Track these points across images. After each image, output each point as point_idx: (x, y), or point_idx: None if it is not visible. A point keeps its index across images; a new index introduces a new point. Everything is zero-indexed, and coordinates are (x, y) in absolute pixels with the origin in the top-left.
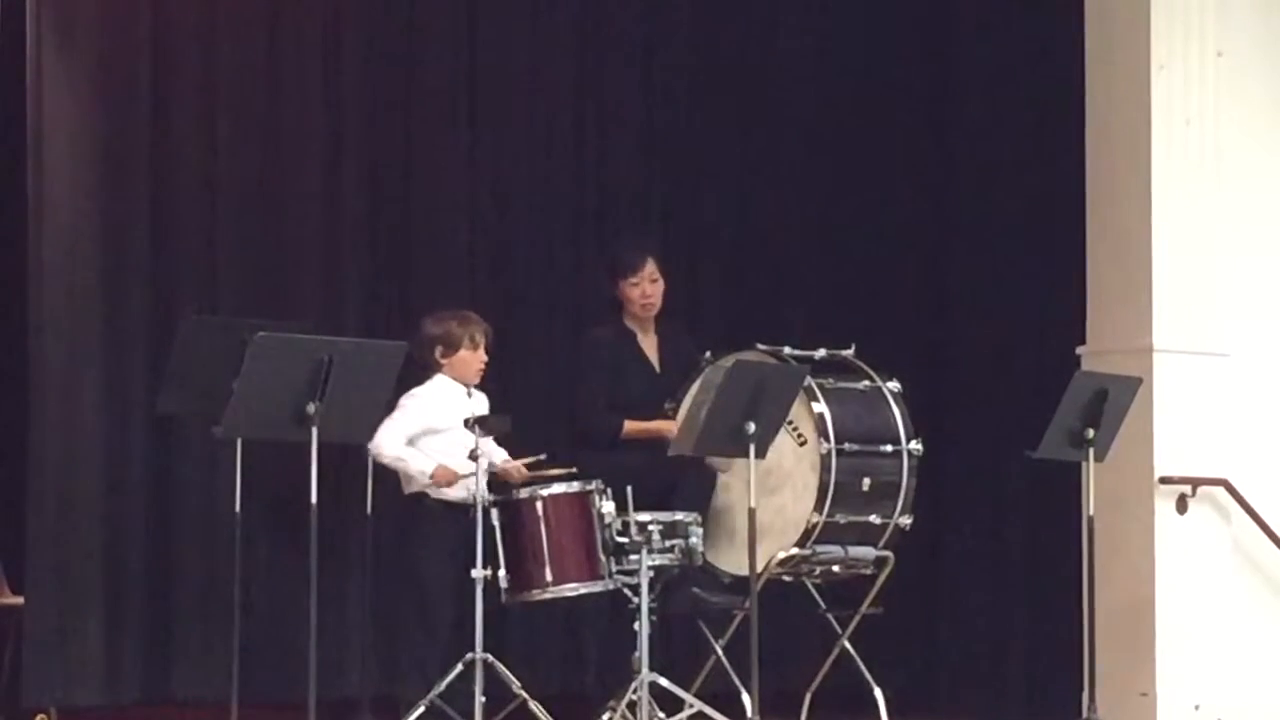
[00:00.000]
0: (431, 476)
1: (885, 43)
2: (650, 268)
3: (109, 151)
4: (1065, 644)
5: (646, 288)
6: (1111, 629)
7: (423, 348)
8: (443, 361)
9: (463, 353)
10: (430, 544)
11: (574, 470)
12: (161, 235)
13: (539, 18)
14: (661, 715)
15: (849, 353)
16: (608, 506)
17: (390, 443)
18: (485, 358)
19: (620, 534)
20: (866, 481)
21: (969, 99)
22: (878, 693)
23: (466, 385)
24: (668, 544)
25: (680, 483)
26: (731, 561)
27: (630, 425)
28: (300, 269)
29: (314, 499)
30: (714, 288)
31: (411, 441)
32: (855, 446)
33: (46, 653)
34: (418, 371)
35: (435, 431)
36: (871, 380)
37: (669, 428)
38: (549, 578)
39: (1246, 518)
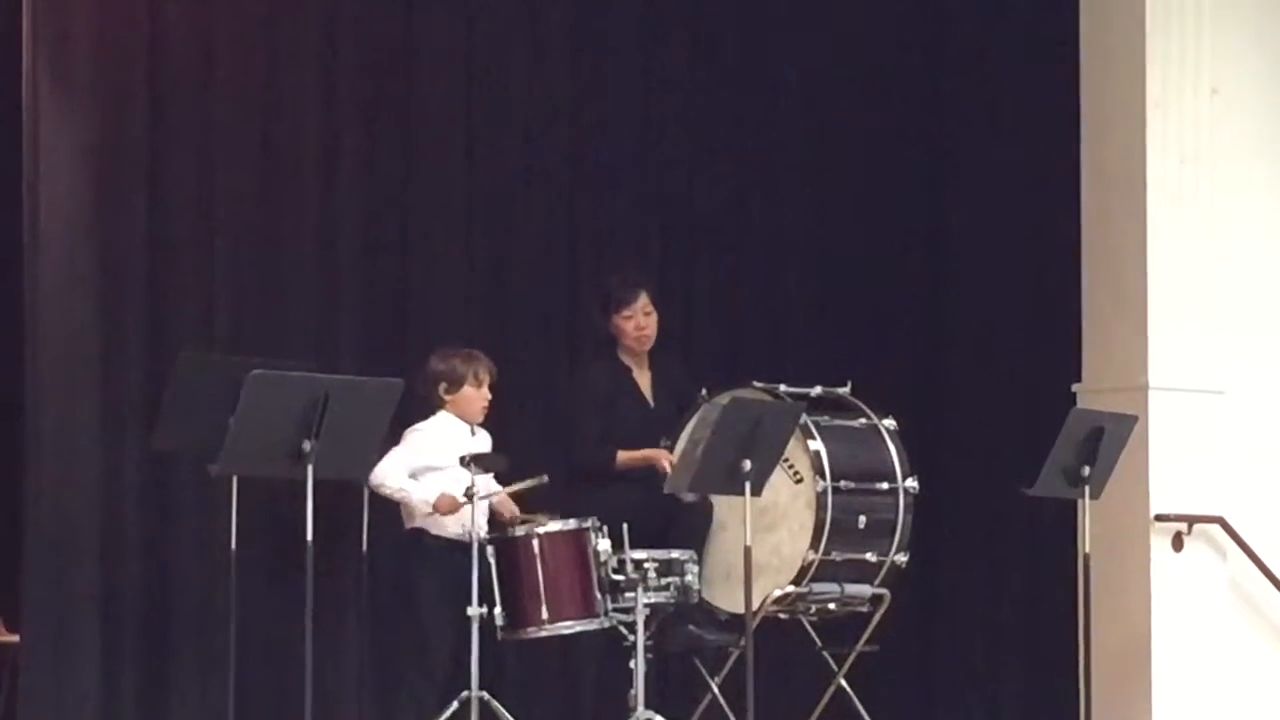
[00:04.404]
0: (434, 506)
1: (882, 79)
2: (644, 301)
3: (105, 186)
4: (1062, 681)
5: (640, 320)
6: (1108, 666)
7: (427, 384)
8: (446, 398)
9: (466, 390)
10: (427, 581)
11: (544, 478)
12: (158, 271)
13: (536, 51)
14: None
15: (845, 390)
16: (604, 544)
17: (393, 474)
18: (489, 396)
19: (616, 571)
20: (862, 519)
21: (965, 137)
22: None
23: (470, 423)
24: (664, 582)
25: (676, 520)
26: (727, 599)
27: (623, 455)
28: (297, 305)
29: (309, 536)
30: (710, 325)
31: (413, 475)
32: (851, 484)
33: (42, 690)
34: (422, 408)
35: (435, 469)
36: (868, 418)
37: (660, 456)
38: (545, 615)
39: (1242, 555)
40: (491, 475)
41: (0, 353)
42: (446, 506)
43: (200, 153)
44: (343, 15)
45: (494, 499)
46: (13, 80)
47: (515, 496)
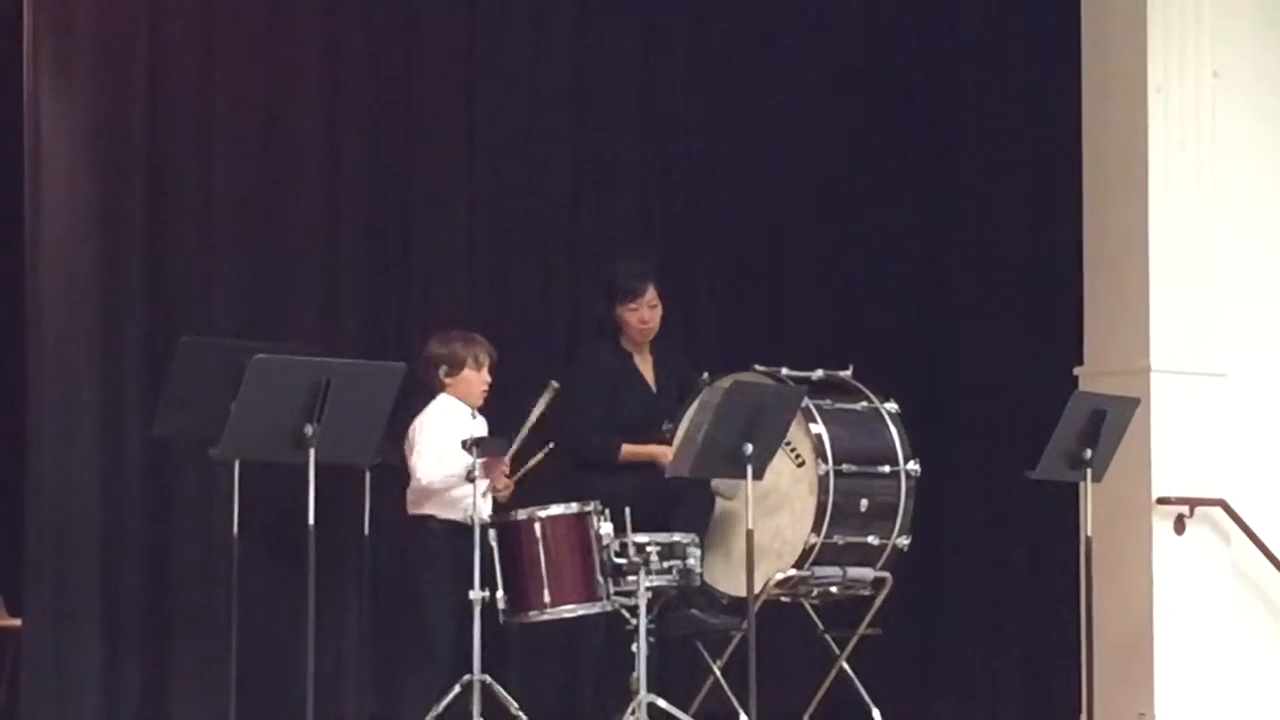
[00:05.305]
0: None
1: (884, 66)
2: (650, 294)
3: (106, 173)
4: (1063, 664)
5: (645, 313)
6: (1109, 649)
7: (427, 367)
8: (446, 381)
9: (467, 373)
10: (431, 565)
11: (551, 446)
12: (159, 257)
13: (539, 37)
14: None
15: (847, 374)
16: (606, 528)
17: (436, 471)
18: (489, 379)
19: (618, 555)
20: (864, 502)
21: (967, 121)
22: (876, 714)
23: (470, 406)
24: (666, 565)
25: (678, 504)
26: (729, 582)
27: (628, 448)
28: (298, 290)
29: (311, 520)
30: (712, 309)
31: (442, 460)
32: (853, 467)
33: (44, 675)
34: (422, 392)
35: (460, 435)
36: (869, 401)
37: (665, 452)
38: (547, 599)
39: (1244, 538)
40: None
41: (2, 339)
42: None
43: (201, 139)
44: (345, 4)
45: (497, 478)
46: (14, 67)
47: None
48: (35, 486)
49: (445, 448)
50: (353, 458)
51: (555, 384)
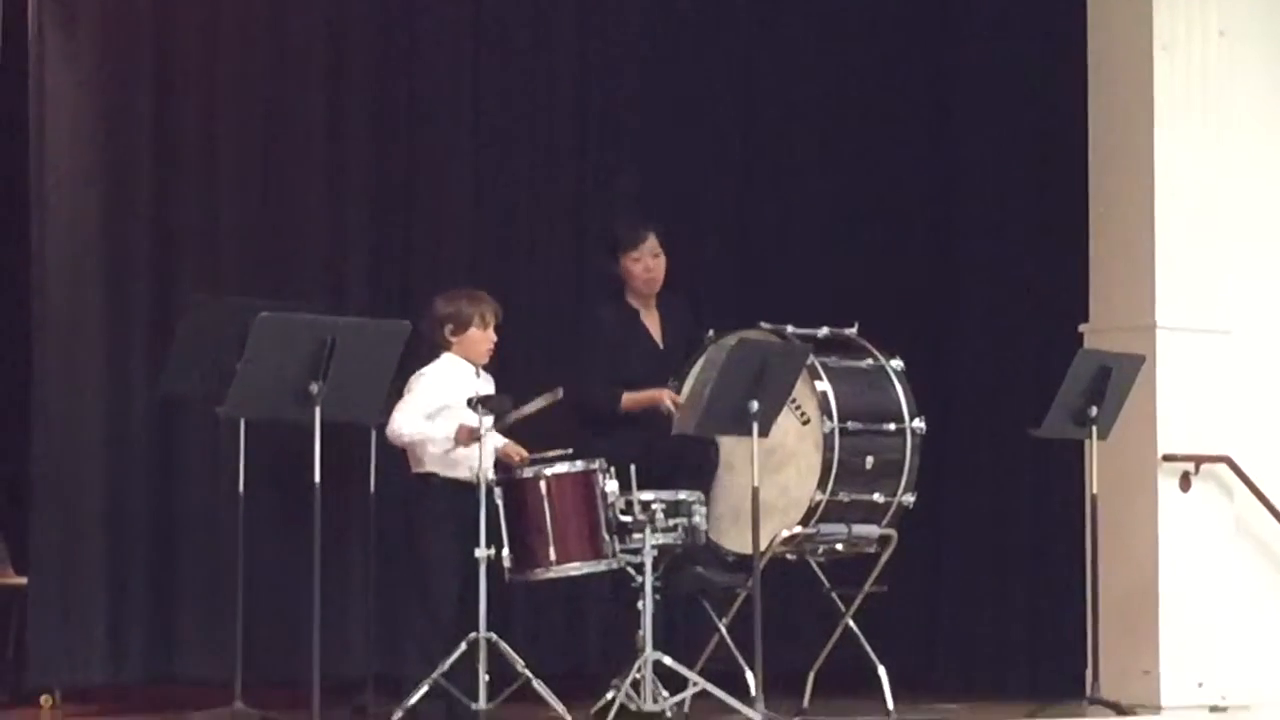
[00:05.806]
0: (454, 438)
1: (889, 25)
2: (652, 242)
3: (111, 134)
4: (1068, 621)
5: (648, 262)
6: (1115, 607)
7: (433, 325)
8: (452, 340)
9: (472, 331)
10: (434, 523)
11: (570, 452)
12: (164, 217)
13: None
14: (665, 694)
15: (852, 331)
16: (611, 485)
17: (409, 422)
18: (494, 338)
19: (624, 513)
20: (870, 460)
21: (972, 77)
22: (881, 671)
23: (475, 365)
24: (671, 523)
25: (683, 461)
26: (735, 540)
27: (628, 397)
28: (303, 250)
29: (317, 478)
30: (717, 266)
31: (429, 418)
32: (858, 425)
33: (50, 633)
34: (428, 350)
35: (450, 407)
36: (875, 358)
37: (664, 395)
38: (552, 557)
39: (1249, 495)
40: (493, 418)
41: (7, 300)
42: (467, 437)
43: (206, 100)
44: None
45: (499, 450)
46: (20, 41)
47: (525, 429)
48: (42, 445)
49: (434, 408)
50: (358, 416)
51: (560, 391)
